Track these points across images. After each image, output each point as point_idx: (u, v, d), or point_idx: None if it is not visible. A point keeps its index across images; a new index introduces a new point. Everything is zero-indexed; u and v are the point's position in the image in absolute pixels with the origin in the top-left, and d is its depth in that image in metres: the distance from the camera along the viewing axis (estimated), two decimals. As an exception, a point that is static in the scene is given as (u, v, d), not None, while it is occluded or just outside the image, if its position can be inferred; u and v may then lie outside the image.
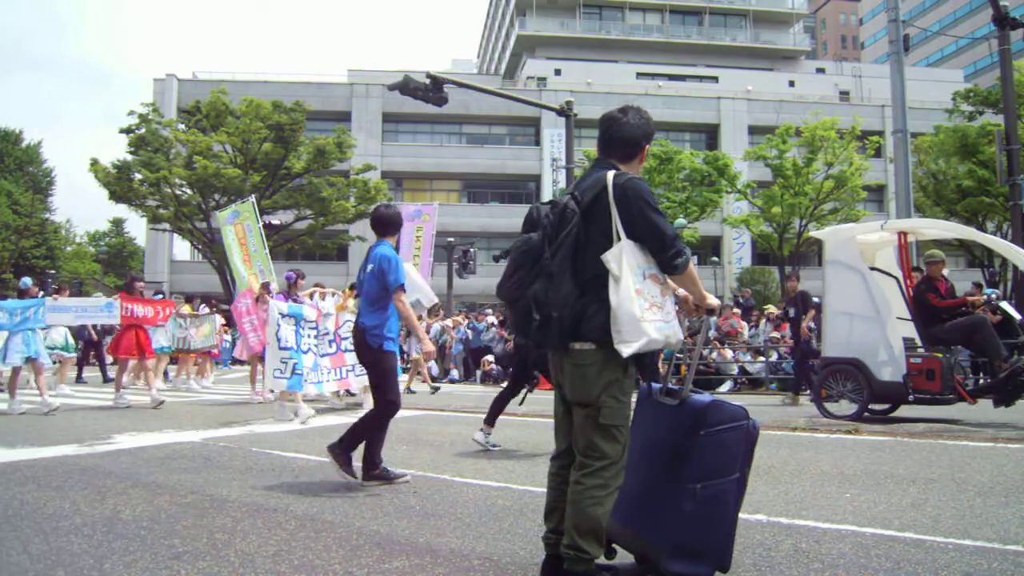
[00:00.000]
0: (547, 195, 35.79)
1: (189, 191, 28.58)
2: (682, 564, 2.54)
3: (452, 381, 17.18)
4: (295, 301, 8.97)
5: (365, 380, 7.70)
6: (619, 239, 2.48)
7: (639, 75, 46.20)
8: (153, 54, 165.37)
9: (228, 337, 19.86)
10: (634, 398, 2.68)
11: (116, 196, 28.01)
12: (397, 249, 4.93)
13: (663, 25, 50.25)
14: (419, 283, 5.96)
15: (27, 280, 11.21)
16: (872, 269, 7.91)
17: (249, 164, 28.09)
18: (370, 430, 4.58)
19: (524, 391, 6.13)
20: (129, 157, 28.03)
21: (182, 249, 39.39)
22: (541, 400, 8.63)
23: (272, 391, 8.78)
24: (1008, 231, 18.20)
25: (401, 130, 41.50)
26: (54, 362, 12.39)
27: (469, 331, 18.00)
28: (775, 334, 13.32)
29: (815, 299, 10.17)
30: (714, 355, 13.69)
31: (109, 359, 14.80)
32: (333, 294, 9.76)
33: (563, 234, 2.51)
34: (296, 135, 28.14)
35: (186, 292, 18.85)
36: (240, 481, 4.69)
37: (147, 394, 10.04)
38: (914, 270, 8.71)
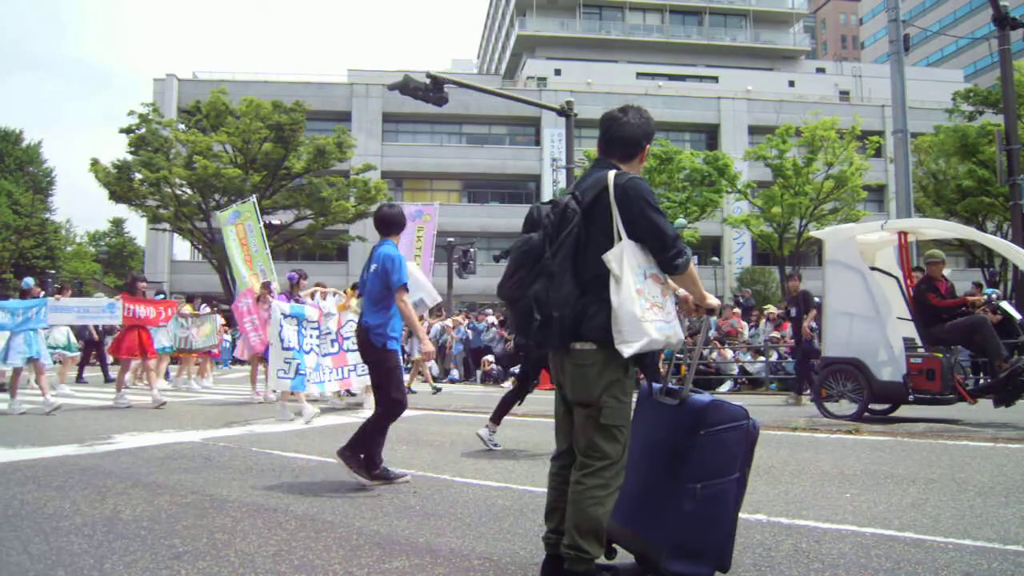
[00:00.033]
0: (547, 195, 35.77)
1: (189, 191, 28.59)
2: (682, 564, 2.54)
3: (452, 381, 17.18)
4: (297, 301, 8.97)
5: (367, 380, 7.70)
6: (620, 239, 2.48)
7: (639, 75, 46.21)
8: (153, 54, 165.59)
9: (228, 337, 19.87)
10: (634, 398, 2.69)
11: (116, 196, 28.02)
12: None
13: (663, 25, 50.25)
14: (423, 282, 5.96)
15: (29, 280, 11.22)
16: (872, 269, 7.91)
17: (249, 164, 28.09)
18: (378, 430, 4.58)
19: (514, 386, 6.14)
20: (129, 157, 28.04)
21: (182, 249, 39.42)
22: (541, 400, 8.64)
23: (275, 392, 8.78)
24: (1008, 231, 18.21)
25: (401, 130, 41.51)
26: (55, 361, 12.40)
27: (469, 331, 18.00)
28: (775, 334, 13.32)
29: (816, 299, 10.17)
30: (714, 355, 13.69)
31: (110, 359, 14.82)
32: (334, 293, 9.76)
33: (564, 234, 2.50)
34: (296, 135, 28.14)
35: (186, 292, 18.86)
36: (240, 481, 4.69)
37: (148, 394, 10.04)
38: (915, 270, 8.71)
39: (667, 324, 2.49)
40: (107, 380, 14.87)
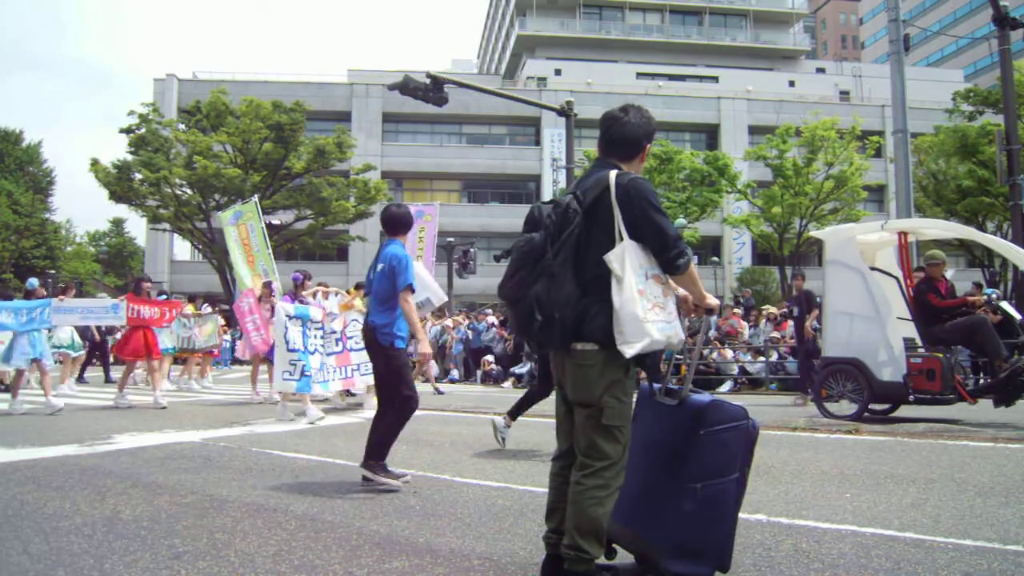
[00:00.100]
0: (547, 195, 35.77)
1: (189, 191, 28.60)
2: (682, 564, 2.54)
3: (452, 381, 17.19)
4: (300, 302, 8.98)
5: (370, 380, 7.69)
6: (621, 239, 2.48)
7: (639, 75, 46.22)
8: (153, 54, 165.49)
9: (228, 337, 19.88)
10: (634, 398, 2.69)
11: (116, 196, 28.03)
12: None
13: (663, 25, 50.26)
14: (429, 282, 5.96)
15: (34, 281, 11.20)
16: (872, 269, 7.91)
17: (249, 164, 28.10)
18: (393, 431, 4.57)
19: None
20: (129, 157, 28.05)
21: (182, 249, 39.42)
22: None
23: (279, 393, 8.75)
24: (1008, 231, 18.20)
25: (401, 130, 41.51)
26: (58, 361, 12.39)
27: (469, 331, 18.00)
28: (775, 334, 13.32)
29: (818, 298, 10.14)
30: (714, 355, 13.69)
31: (112, 359, 14.82)
32: (337, 293, 9.76)
33: (565, 234, 2.50)
34: (296, 135, 28.15)
35: (187, 292, 18.85)
36: (240, 481, 4.69)
37: (150, 394, 10.04)
38: (915, 270, 8.71)
39: (668, 324, 2.49)
40: (108, 380, 14.88)
